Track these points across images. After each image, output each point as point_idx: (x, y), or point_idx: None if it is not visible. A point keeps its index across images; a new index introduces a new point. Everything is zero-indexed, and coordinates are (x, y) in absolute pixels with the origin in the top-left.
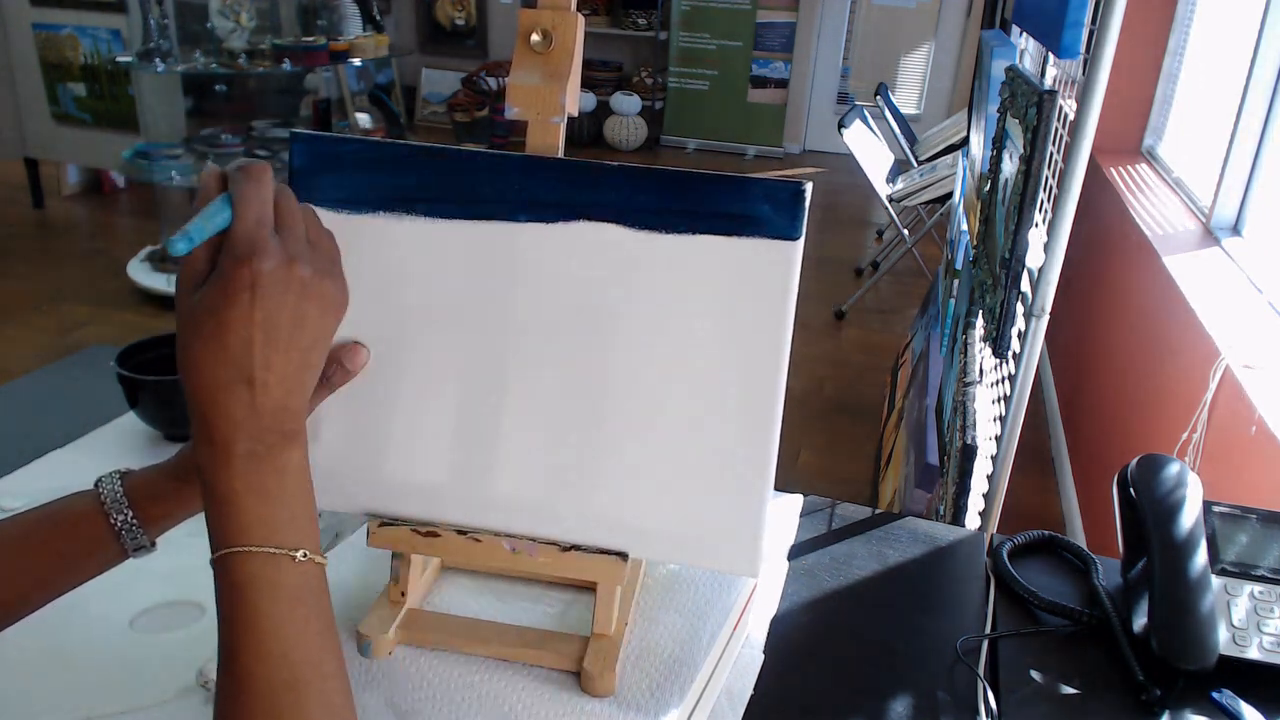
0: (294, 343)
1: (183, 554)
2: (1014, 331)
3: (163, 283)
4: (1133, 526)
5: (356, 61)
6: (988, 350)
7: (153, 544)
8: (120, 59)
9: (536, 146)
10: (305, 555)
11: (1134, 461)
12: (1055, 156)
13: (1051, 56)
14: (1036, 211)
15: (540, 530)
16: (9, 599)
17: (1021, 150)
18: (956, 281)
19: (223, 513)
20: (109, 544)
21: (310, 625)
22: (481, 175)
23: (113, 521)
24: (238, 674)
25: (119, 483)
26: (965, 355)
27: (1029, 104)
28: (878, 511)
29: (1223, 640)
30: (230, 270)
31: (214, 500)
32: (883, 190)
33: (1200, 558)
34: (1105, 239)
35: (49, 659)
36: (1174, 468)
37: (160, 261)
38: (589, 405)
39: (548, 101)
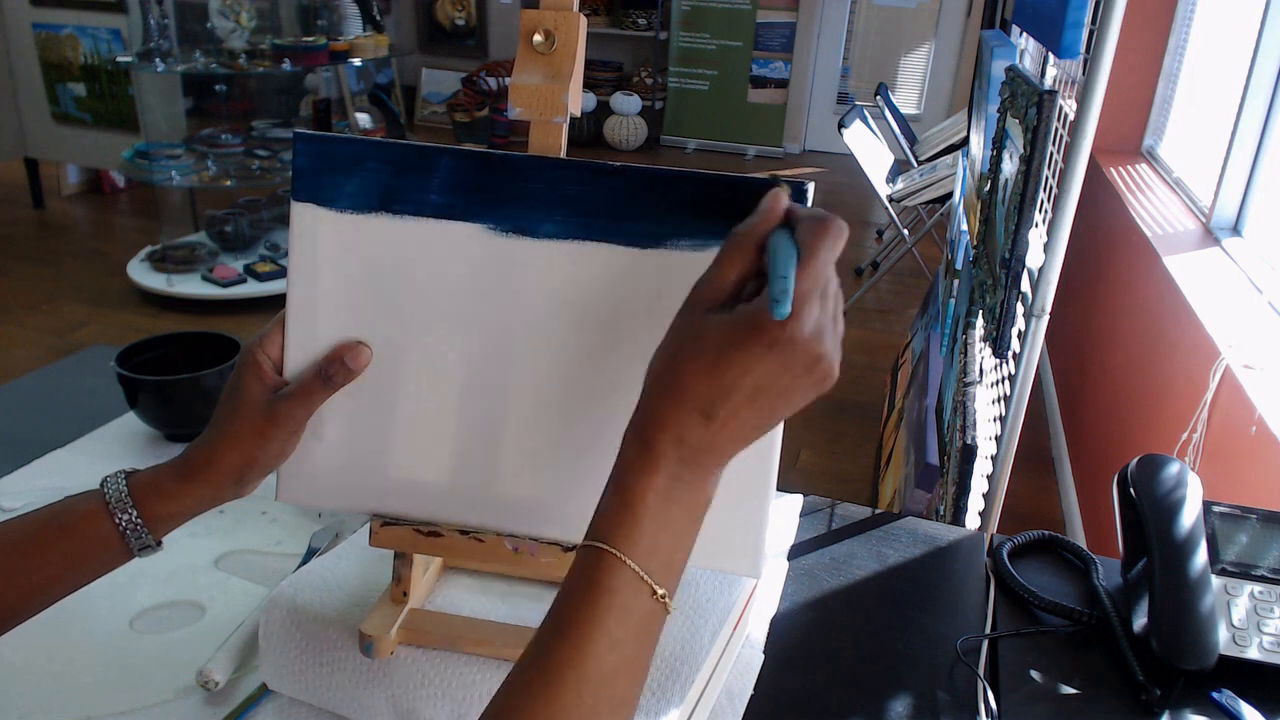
0: (769, 407)
1: (183, 554)
2: (1014, 331)
3: (162, 283)
4: (1133, 526)
5: (356, 61)
6: (988, 350)
7: (158, 544)
8: (120, 59)
9: (539, 147)
10: (664, 597)
11: (1134, 461)
12: (1055, 156)
13: (1051, 56)
14: (1036, 211)
15: (542, 530)
16: (14, 600)
17: (1021, 150)
18: (956, 281)
19: (623, 513)
20: (114, 544)
21: (635, 662)
22: (483, 176)
23: (118, 522)
24: (543, 665)
25: (123, 482)
26: (965, 355)
27: (1029, 104)
28: (878, 511)
29: (1223, 640)
30: (765, 319)
31: (621, 497)
32: (883, 190)
33: (1200, 558)
34: (1105, 239)
35: (49, 659)
36: (1174, 468)
37: (160, 261)
38: (591, 405)
39: (550, 102)
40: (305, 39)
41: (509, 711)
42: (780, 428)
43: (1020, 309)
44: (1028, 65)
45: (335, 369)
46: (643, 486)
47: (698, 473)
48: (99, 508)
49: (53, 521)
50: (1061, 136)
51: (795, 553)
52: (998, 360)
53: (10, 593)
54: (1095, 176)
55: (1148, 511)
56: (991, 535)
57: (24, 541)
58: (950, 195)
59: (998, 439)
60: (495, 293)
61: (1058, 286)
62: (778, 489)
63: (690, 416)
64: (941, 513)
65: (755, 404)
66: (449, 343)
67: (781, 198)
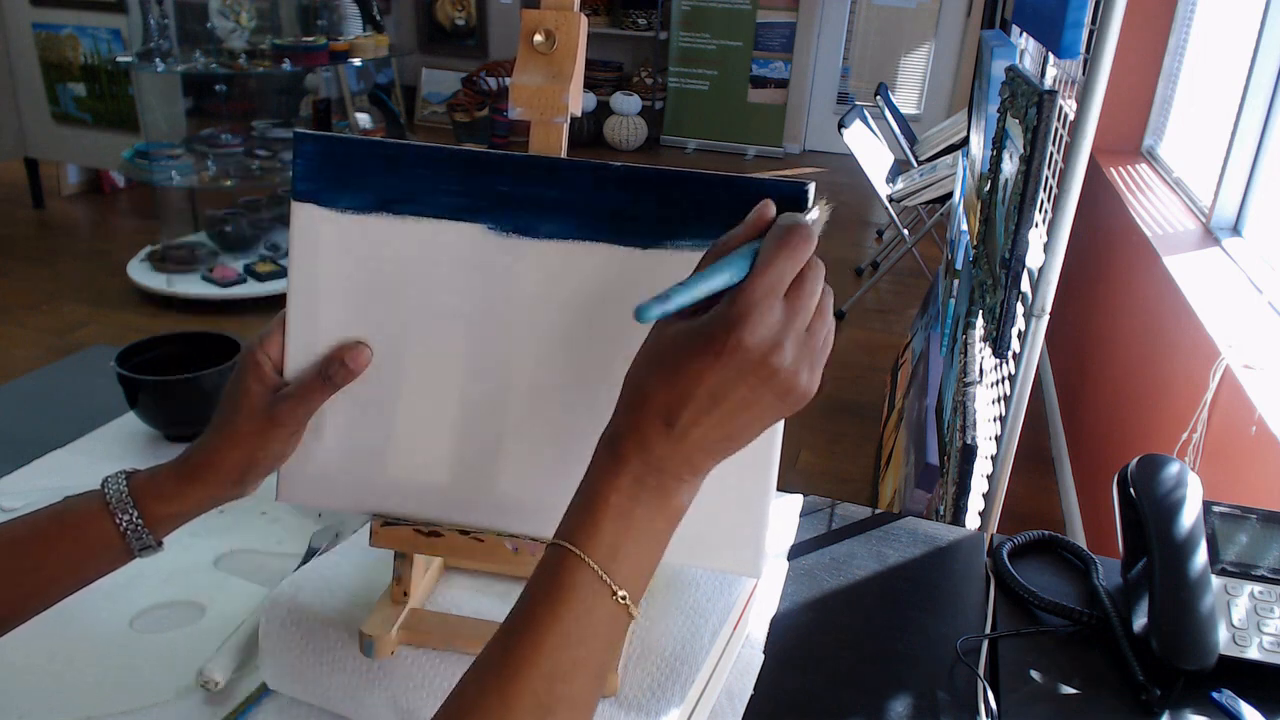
0: (730, 418)
1: (183, 554)
2: (1014, 331)
3: (162, 283)
4: (1133, 526)
5: (356, 61)
6: (988, 350)
7: (159, 544)
8: (120, 59)
9: (539, 147)
10: (625, 599)
11: (1134, 461)
12: (1055, 156)
13: (1051, 56)
14: (1036, 211)
15: (543, 530)
16: (16, 600)
17: (1021, 150)
18: (956, 281)
19: (587, 514)
20: (115, 545)
21: (591, 662)
22: (483, 176)
23: (118, 522)
24: (504, 661)
25: (124, 483)
26: (965, 355)
27: (1029, 104)
28: (878, 511)
29: (1223, 640)
30: (713, 328)
31: (586, 497)
32: (883, 190)
33: (1200, 558)
34: (1105, 239)
35: (49, 659)
36: (1174, 468)
37: (160, 261)
38: (592, 406)
39: (551, 102)
40: (305, 39)
41: (466, 701)
42: (780, 427)
43: (1020, 309)
44: (1028, 65)
45: (335, 369)
46: (607, 489)
47: (664, 480)
48: (100, 508)
49: (53, 522)
50: (1061, 136)
51: (795, 553)
52: (998, 360)
53: (11, 593)
54: (1095, 176)
55: (1148, 511)
56: (991, 535)
57: (24, 542)
58: (950, 195)
59: (998, 439)
60: (495, 292)
61: (1058, 286)
62: (778, 489)
63: (652, 423)
64: (941, 513)
65: (713, 416)
66: (449, 343)
67: (767, 210)
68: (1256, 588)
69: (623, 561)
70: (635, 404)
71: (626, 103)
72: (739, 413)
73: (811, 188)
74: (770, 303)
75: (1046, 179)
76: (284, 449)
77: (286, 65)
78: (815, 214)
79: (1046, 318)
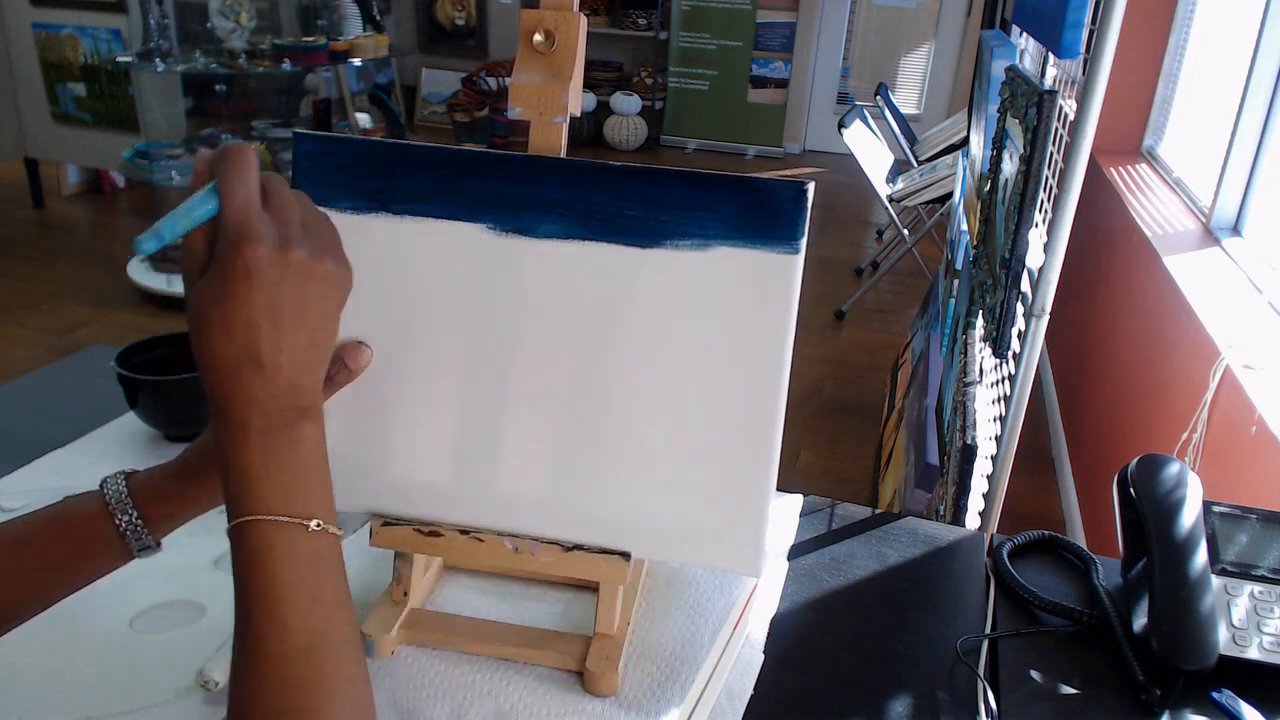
0: (300, 323)
1: (183, 554)
2: (1014, 331)
3: (163, 283)
4: (1133, 526)
5: (356, 61)
6: (988, 350)
7: (158, 544)
8: (120, 59)
9: (539, 146)
10: (319, 525)
11: (1134, 461)
12: (1055, 156)
13: (1051, 56)
14: (1036, 211)
15: (543, 530)
16: (15, 601)
17: (1021, 150)
18: (956, 281)
19: (240, 486)
20: (114, 545)
21: (324, 594)
22: (483, 176)
23: (118, 522)
24: (250, 642)
25: (123, 483)
26: (965, 355)
27: (1029, 104)
28: (878, 511)
29: (1223, 640)
30: (226, 257)
31: (231, 475)
32: (883, 190)
33: (1200, 558)
34: (1105, 239)
35: (49, 659)
36: (1174, 468)
37: (160, 261)
38: (591, 405)
39: (550, 101)
40: (305, 39)
41: (244, 700)
42: (780, 427)
43: (1020, 309)
44: (1028, 65)
45: (336, 369)
46: (244, 455)
47: (287, 416)
48: (99, 509)
49: (52, 522)
50: (1061, 136)
51: (795, 553)
52: (998, 360)
53: (10, 594)
54: (1095, 176)
55: (1148, 511)
56: (991, 535)
57: (24, 542)
58: (950, 195)
59: (998, 439)
60: (495, 292)
61: (1058, 286)
62: (778, 489)
63: (243, 374)
64: (941, 513)
65: (284, 329)
66: (449, 342)
67: (201, 157)
68: (1256, 588)
69: (297, 499)
70: (219, 372)
71: (626, 103)
72: (303, 315)
73: (810, 186)
74: (253, 213)
75: (1046, 179)
76: None
77: (286, 65)
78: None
79: (1046, 318)
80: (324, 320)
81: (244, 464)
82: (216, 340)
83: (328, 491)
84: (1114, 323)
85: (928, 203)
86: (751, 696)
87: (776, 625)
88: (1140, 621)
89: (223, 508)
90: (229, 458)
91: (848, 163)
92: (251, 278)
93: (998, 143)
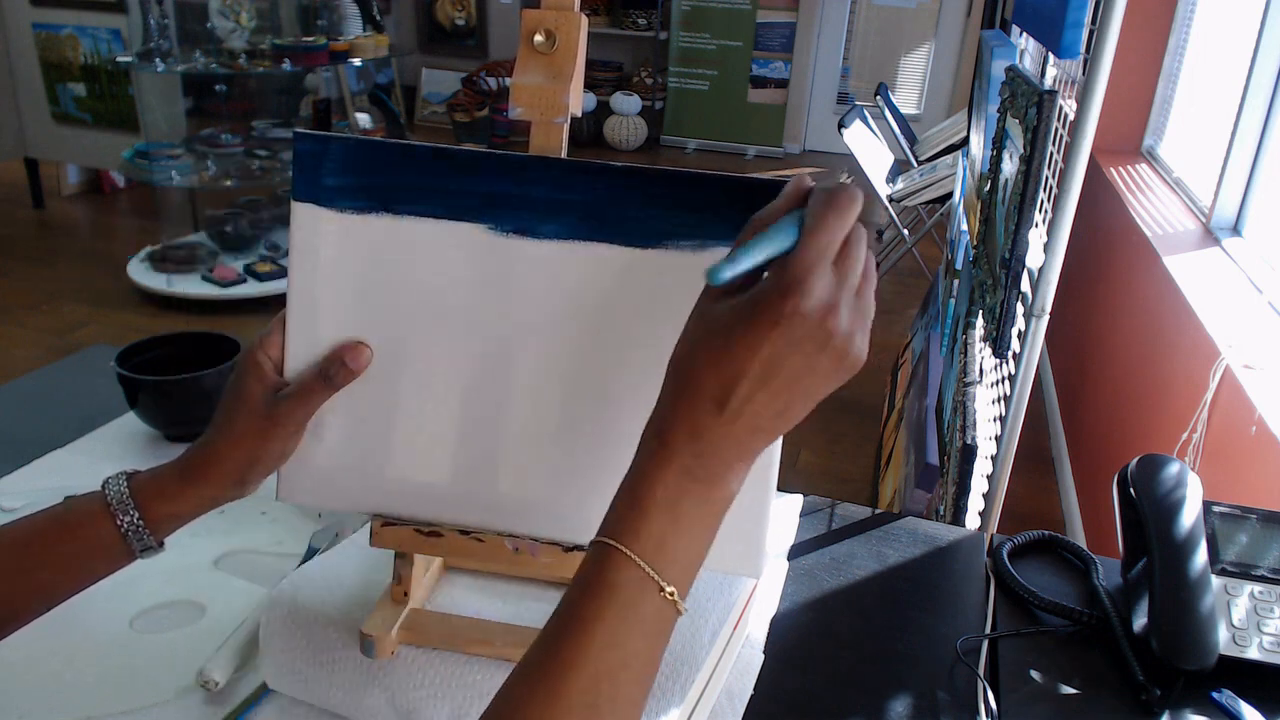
0: (784, 390)
1: (183, 554)
2: (1014, 331)
3: (163, 283)
4: (1133, 526)
5: (356, 61)
6: (988, 350)
7: (161, 545)
8: (120, 59)
9: (540, 147)
10: (674, 595)
11: (1134, 461)
12: (1055, 156)
13: (1051, 56)
14: (1036, 211)
15: (543, 530)
16: (16, 602)
17: (1021, 150)
18: (956, 281)
19: (632, 508)
20: (116, 546)
21: (638, 659)
22: (483, 176)
23: (119, 523)
24: (542, 655)
25: (125, 484)
26: (965, 355)
27: (1029, 104)
28: (878, 511)
29: (1223, 640)
30: (769, 296)
31: (631, 493)
32: (883, 190)
33: (1200, 558)
34: (1105, 239)
35: (49, 659)
36: (1174, 468)
37: (160, 261)
38: (591, 406)
39: (551, 101)
40: (305, 39)
41: (513, 704)
42: None
43: (1020, 309)
44: (1028, 65)
45: (336, 369)
46: (652, 482)
47: (715, 466)
48: (100, 509)
49: (54, 524)
50: (1061, 136)
51: (795, 553)
52: (998, 360)
53: (13, 595)
54: (1095, 176)
55: (1148, 511)
56: (991, 535)
57: (26, 544)
58: (950, 195)
59: (998, 439)
60: (495, 293)
61: (1058, 286)
62: (778, 489)
63: (703, 407)
64: (941, 513)
65: (769, 388)
66: (449, 343)
67: (803, 181)
68: (1256, 588)
69: (670, 556)
70: (683, 388)
71: (626, 103)
72: (794, 384)
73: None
74: (823, 266)
75: (1046, 179)
76: (285, 448)
77: (286, 65)
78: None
79: (1046, 318)
80: (809, 396)
81: (649, 490)
82: (702, 364)
83: (699, 564)
84: (1114, 323)
85: (928, 203)
86: (751, 696)
87: (776, 625)
88: (1140, 621)
89: (223, 508)
90: (638, 474)
91: (848, 163)
92: (777, 328)
93: (998, 143)
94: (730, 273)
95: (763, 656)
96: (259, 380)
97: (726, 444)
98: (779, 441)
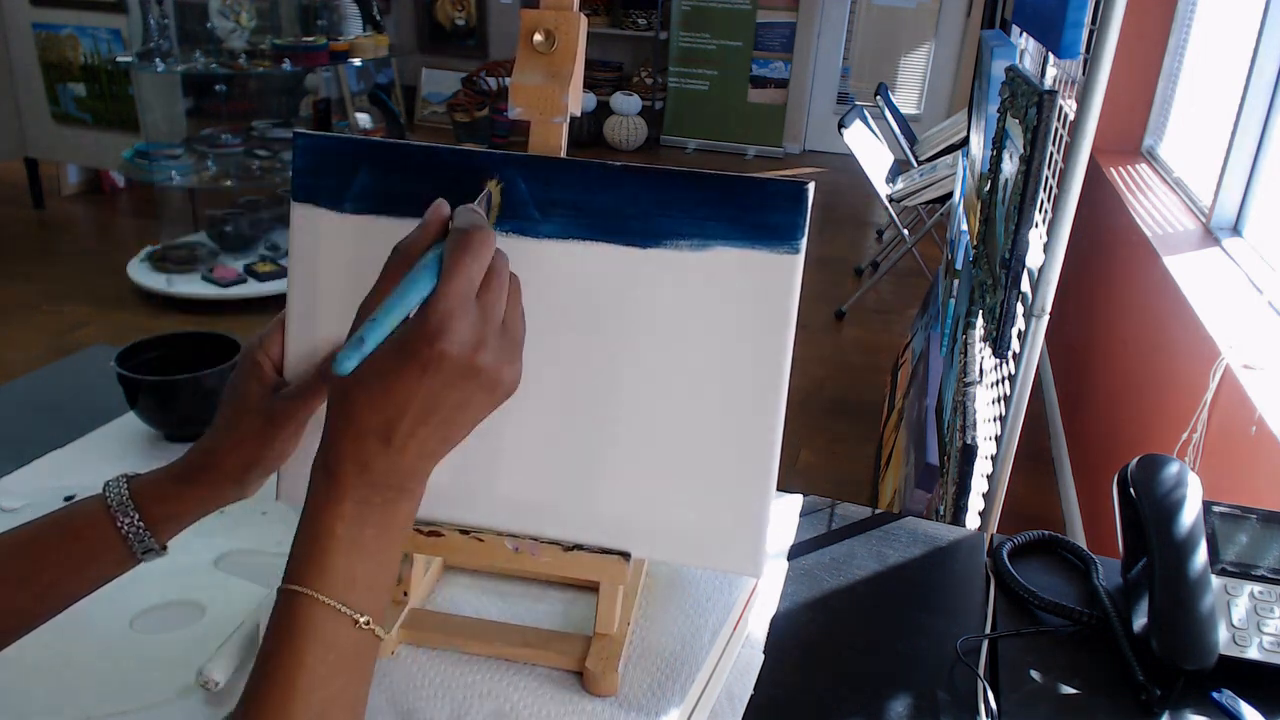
0: (446, 424)
1: (183, 554)
2: (1014, 331)
3: (162, 283)
4: (1133, 526)
5: (356, 61)
6: (988, 350)
7: (163, 548)
8: (120, 59)
9: (539, 146)
10: (368, 623)
11: (1134, 461)
12: (1055, 156)
13: (1051, 56)
14: (1036, 211)
15: (543, 530)
16: (21, 607)
17: (1021, 150)
18: (956, 281)
19: (313, 548)
20: (117, 548)
21: (345, 694)
22: (483, 176)
23: (120, 525)
24: (253, 711)
25: (125, 486)
26: (965, 355)
27: (1029, 104)
28: (878, 511)
29: (1223, 640)
30: (415, 343)
31: (309, 532)
32: (883, 190)
33: (1200, 558)
34: (1105, 239)
35: (49, 659)
36: (1174, 468)
37: (160, 261)
38: (591, 405)
39: (550, 101)
40: (305, 39)
41: None
42: (780, 428)
43: (1020, 309)
44: (1028, 65)
45: (317, 377)
46: (331, 518)
47: (388, 494)
48: (101, 512)
49: (55, 528)
50: (1061, 136)
51: (795, 553)
52: (998, 360)
53: (17, 599)
54: (1095, 176)
55: (1148, 511)
56: (991, 535)
57: (28, 548)
58: (950, 195)
59: (998, 439)
60: None
61: (1058, 286)
62: (778, 489)
63: (368, 442)
64: (941, 513)
65: (430, 423)
66: None
67: (442, 209)
68: (1256, 588)
69: (360, 588)
70: (346, 426)
71: (626, 103)
72: (454, 416)
73: (811, 186)
74: (465, 308)
75: (1046, 179)
76: (285, 449)
77: (286, 65)
78: (490, 195)
79: (1046, 318)
80: (467, 424)
81: (326, 528)
82: (362, 405)
83: (390, 586)
84: (1114, 323)
85: (928, 203)
86: (751, 696)
87: (776, 625)
88: (1140, 621)
89: (225, 509)
90: (313, 512)
91: (848, 163)
92: (427, 372)
93: (998, 143)
94: (357, 360)
95: (763, 656)
96: (258, 381)
97: (398, 473)
98: (779, 441)
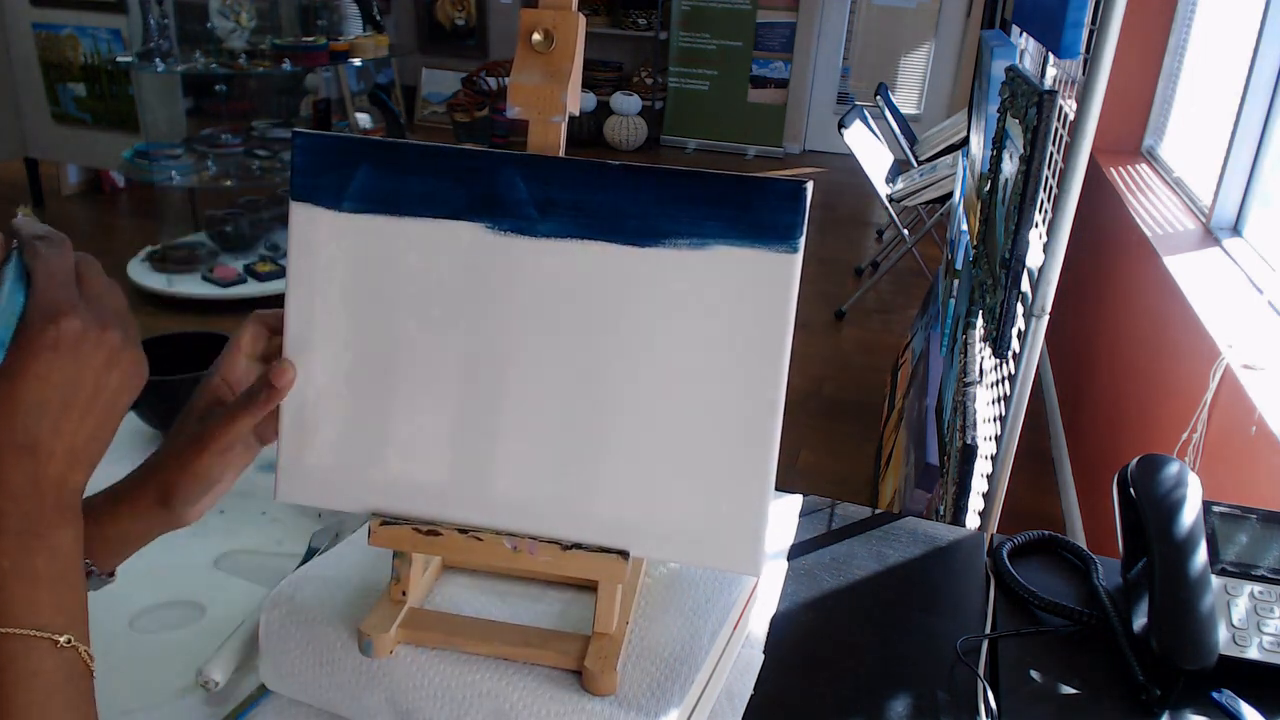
0: (90, 409)
1: (183, 554)
2: (1014, 331)
3: (163, 283)
4: (1132, 526)
5: (356, 61)
6: (988, 350)
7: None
8: (120, 59)
9: (538, 146)
10: (70, 641)
11: (1134, 461)
12: (1055, 156)
13: (1051, 56)
14: (1036, 211)
15: (541, 529)
16: None
17: (1021, 150)
18: (956, 281)
19: None
20: None
21: (70, 716)
22: (482, 175)
23: None
24: None
25: None
26: (965, 355)
27: (1029, 104)
28: (878, 511)
29: (1223, 640)
30: (34, 328)
31: None
32: (883, 190)
33: (1200, 558)
34: (1105, 239)
35: None
36: (1174, 468)
37: (160, 261)
38: (590, 404)
39: (549, 101)
40: (305, 39)
41: None
42: (780, 427)
43: (1020, 309)
44: (1028, 65)
45: (260, 388)
46: None
47: (52, 514)
48: None
49: None
50: (1061, 136)
51: (795, 553)
52: (998, 360)
53: None
54: (1095, 176)
55: (1148, 511)
56: (991, 535)
57: None
58: (950, 195)
59: (998, 439)
60: (493, 292)
61: (1058, 286)
62: (777, 489)
63: (13, 460)
64: (941, 513)
65: (74, 410)
66: (447, 342)
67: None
68: (1256, 588)
69: (50, 610)
70: None
71: (626, 103)
72: (95, 401)
73: (809, 186)
74: (70, 289)
75: (1046, 179)
76: (214, 473)
77: (286, 65)
78: (21, 220)
79: (1046, 318)
80: (112, 413)
81: None
82: None
83: (82, 603)
84: (1114, 323)
85: (928, 203)
86: (751, 696)
87: (776, 625)
88: (1140, 621)
89: (222, 508)
90: None
91: (848, 163)
92: (58, 350)
93: (998, 143)
94: None
95: (763, 656)
96: (202, 398)
97: (53, 485)
98: (778, 440)
